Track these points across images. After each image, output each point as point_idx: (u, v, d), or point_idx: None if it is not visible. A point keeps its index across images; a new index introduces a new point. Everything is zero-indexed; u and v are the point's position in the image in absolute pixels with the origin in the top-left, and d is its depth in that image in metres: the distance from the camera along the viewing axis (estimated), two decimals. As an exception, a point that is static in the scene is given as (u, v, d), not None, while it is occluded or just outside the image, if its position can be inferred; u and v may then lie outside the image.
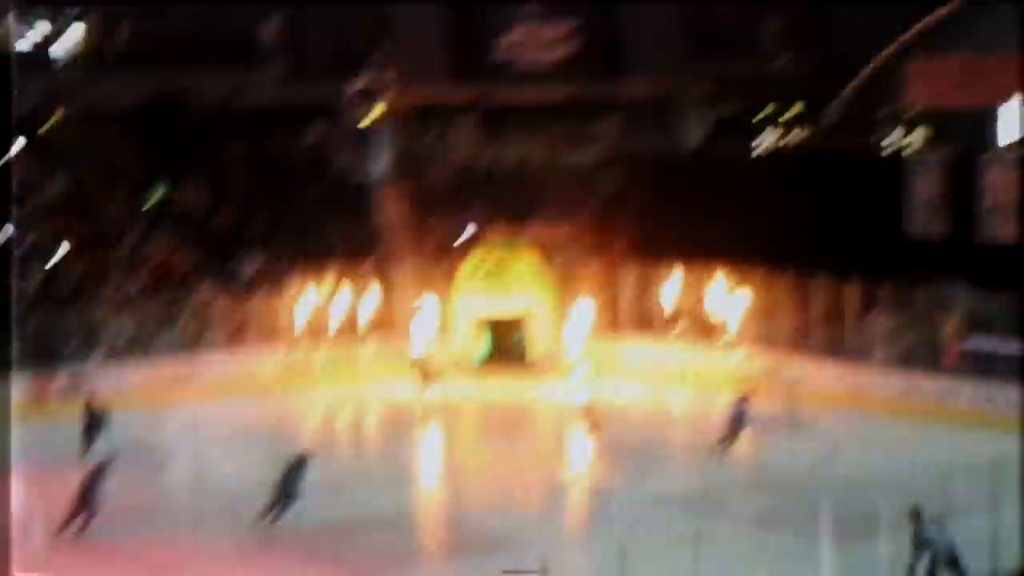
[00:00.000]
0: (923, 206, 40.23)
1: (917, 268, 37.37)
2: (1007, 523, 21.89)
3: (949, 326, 36.10)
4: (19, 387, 35.27)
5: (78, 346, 37.81)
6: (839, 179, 41.67)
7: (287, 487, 24.12)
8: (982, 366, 34.80)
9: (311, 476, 24.76)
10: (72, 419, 31.56)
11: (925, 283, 37.20)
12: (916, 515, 20.16)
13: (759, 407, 32.58)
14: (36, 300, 38.63)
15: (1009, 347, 34.48)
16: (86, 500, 24.08)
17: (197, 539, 24.11)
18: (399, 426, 35.00)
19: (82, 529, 23.98)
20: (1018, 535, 21.86)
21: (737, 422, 30.85)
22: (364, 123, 50.93)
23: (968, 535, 20.93)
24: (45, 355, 36.75)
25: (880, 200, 40.21)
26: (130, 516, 25.52)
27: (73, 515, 24.06)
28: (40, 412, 34.78)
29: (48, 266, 40.38)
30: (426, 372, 36.50)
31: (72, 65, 50.49)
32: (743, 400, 31.22)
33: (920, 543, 19.88)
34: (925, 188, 40.48)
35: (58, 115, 47.43)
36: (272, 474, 24.65)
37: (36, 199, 42.85)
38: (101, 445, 29.78)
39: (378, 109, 50.93)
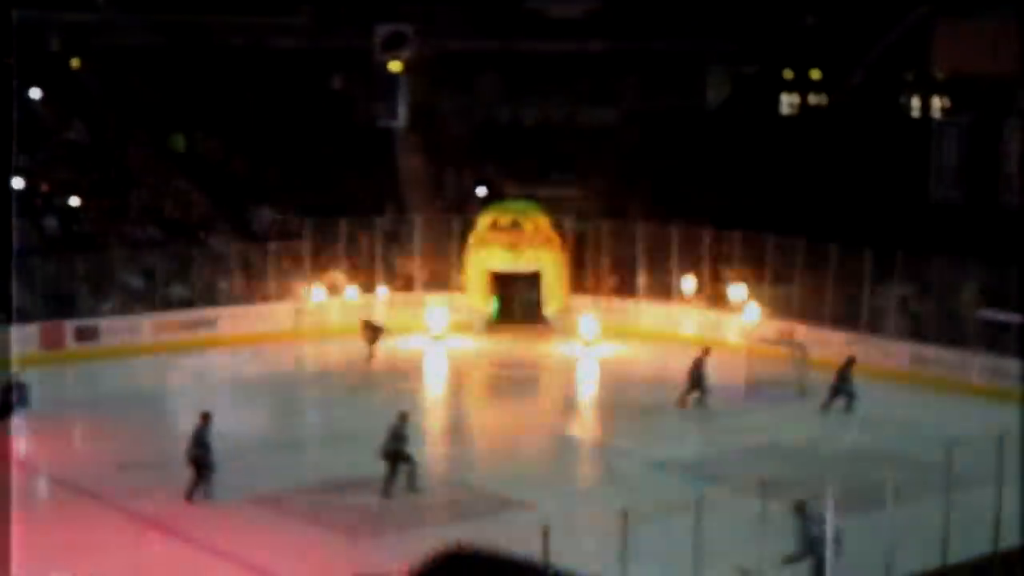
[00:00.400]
0: (945, 172, 39.97)
1: (935, 235, 37.11)
2: (1013, 497, 21.77)
3: (965, 296, 35.85)
4: (32, 335, 35.37)
5: (92, 294, 37.87)
6: (861, 142, 41.40)
7: (396, 451, 24.08)
8: (995, 337, 34.58)
9: (308, 432, 24.73)
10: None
11: (942, 251, 36.95)
12: (800, 508, 20.04)
13: (770, 373, 32.39)
14: (52, 247, 38.66)
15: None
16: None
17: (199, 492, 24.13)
18: (405, 378, 34.98)
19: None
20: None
21: (696, 378, 31.27)
22: (388, 72, 50.78)
23: (973, 508, 20.85)
24: (60, 303, 36.82)
25: (901, 165, 39.94)
26: (136, 466, 25.61)
27: None
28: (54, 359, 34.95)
29: (64, 212, 40.41)
30: (372, 331, 36.79)
31: (101, 4, 50.37)
32: (701, 357, 31.64)
33: (805, 538, 19.80)
34: (947, 153, 40.21)
35: (79, 57, 47.44)
36: (278, 425, 24.63)
37: (55, 143, 42.88)
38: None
39: (402, 58, 50.74)
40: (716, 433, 29.61)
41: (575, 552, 18.24)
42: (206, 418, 23.94)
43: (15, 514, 22.12)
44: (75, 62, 47.54)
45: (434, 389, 34.87)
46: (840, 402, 31.15)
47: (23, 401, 29.89)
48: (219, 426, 24.39)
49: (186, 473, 23.74)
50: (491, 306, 41.38)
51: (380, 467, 24.03)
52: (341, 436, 28.42)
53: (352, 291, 40.67)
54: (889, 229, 37.32)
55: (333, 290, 40.48)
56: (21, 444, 27.85)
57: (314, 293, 39.86)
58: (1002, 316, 33.21)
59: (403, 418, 24.52)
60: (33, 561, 19.87)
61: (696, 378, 31.59)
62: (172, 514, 22.80)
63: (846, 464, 25.84)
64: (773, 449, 28.05)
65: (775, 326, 37.15)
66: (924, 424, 29.97)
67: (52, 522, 22.56)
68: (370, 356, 36.40)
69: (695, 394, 31.57)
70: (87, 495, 24.06)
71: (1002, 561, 20.41)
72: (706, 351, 32.24)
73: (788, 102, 54.08)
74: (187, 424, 24.79)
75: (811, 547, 19.43)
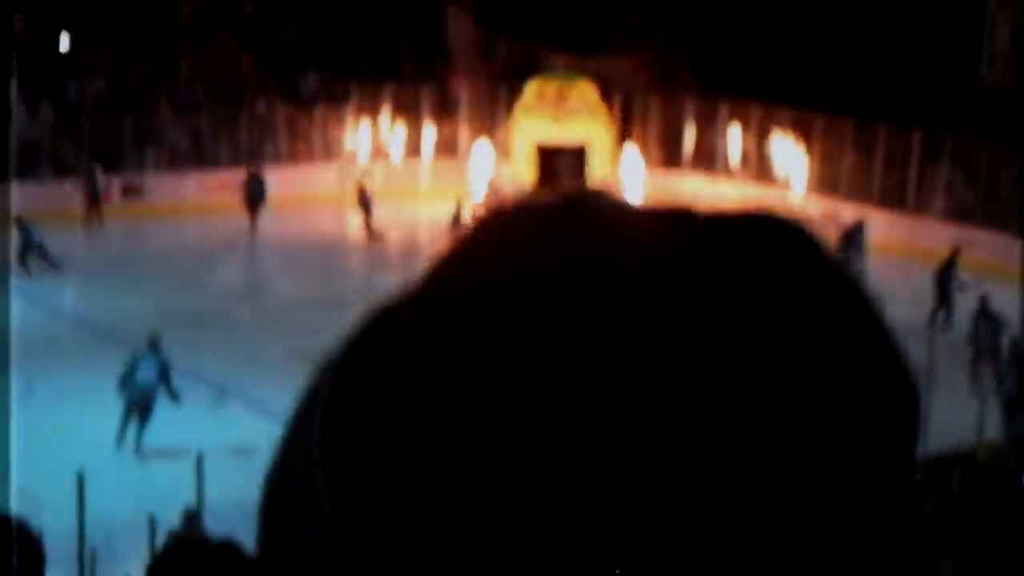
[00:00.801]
0: (997, 56, 39.45)
1: (985, 121, 36.74)
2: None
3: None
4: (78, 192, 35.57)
5: (137, 152, 38.03)
6: (913, 20, 40.84)
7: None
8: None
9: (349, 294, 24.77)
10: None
11: (993, 138, 36.61)
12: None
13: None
14: (98, 105, 38.77)
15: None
16: None
17: (245, 348, 24.41)
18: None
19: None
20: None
21: None
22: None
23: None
24: (105, 160, 36.99)
25: (953, 46, 39.42)
26: (181, 318, 25.92)
27: None
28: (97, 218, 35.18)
29: (112, 73, 40.45)
30: (363, 196, 36.58)
31: None
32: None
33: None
34: (1000, 37, 39.65)
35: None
36: (320, 286, 24.68)
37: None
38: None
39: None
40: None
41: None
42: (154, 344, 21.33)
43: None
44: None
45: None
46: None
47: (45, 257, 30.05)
48: (262, 286, 24.61)
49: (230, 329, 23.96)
50: (537, 175, 41.27)
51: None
52: (380, 297, 28.55)
53: (398, 154, 40.63)
54: (939, 112, 36.98)
55: (379, 153, 40.49)
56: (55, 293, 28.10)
57: (360, 156, 39.88)
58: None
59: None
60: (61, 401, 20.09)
61: None
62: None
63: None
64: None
65: (821, 204, 37.01)
66: (966, 308, 29.93)
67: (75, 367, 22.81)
68: (366, 228, 35.96)
69: None
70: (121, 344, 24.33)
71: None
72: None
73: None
74: (233, 283, 24.98)
75: None
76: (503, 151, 41.68)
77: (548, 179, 41.36)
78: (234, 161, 38.58)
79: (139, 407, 20.48)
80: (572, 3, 48.18)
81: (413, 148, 41.36)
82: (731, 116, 40.45)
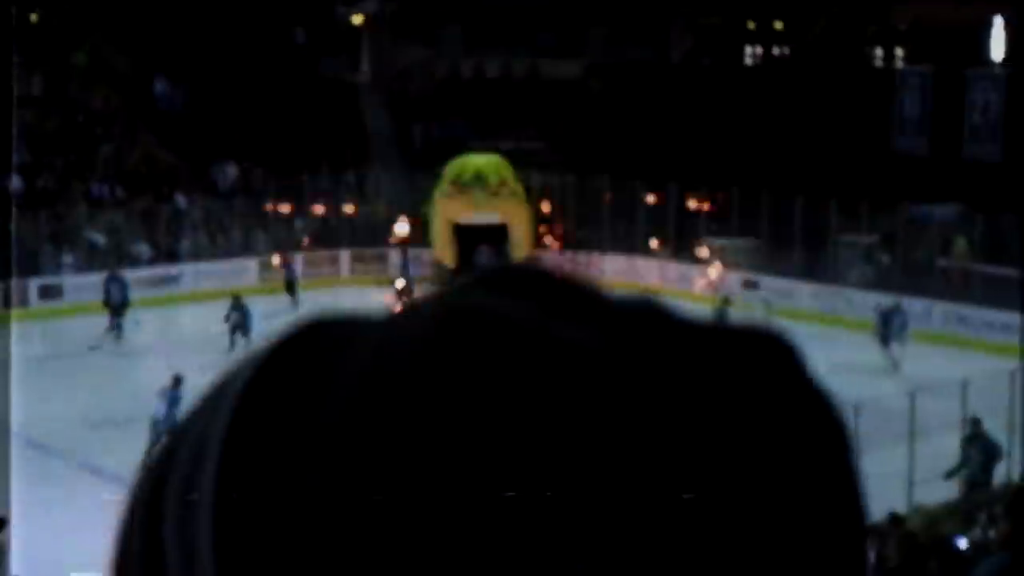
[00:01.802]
0: (908, 122, 40.06)
1: (900, 185, 37.26)
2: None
3: (957, 248, 36.02)
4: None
5: (54, 251, 37.69)
6: (824, 93, 41.45)
7: None
8: (959, 287, 34.84)
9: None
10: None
11: (906, 202, 37.11)
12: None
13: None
14: (12, 203, 38.42)
15: (983, 269, 34.45)
16: None
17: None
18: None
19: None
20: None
21: None
22: (350, 25, 50.53)
23: (938, 455, 21.06)
24: (21, 260, 36.62)
25: (865, 117, 40.01)
26: (101, 421, 25.58)
27: None
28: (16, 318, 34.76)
29: (26, 169, 40.13)
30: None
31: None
32: None
33: None
34: (911, 104, 40.28)
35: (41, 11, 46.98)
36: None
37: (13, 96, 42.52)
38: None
39: (364, 12, 50.48)
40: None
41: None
42: (178, 381, 23.51)
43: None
44: (34, 16, 47.07)
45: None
46: None
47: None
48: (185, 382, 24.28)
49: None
50: (455, 258, 41.24)
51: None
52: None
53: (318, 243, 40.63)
54: (854, 180, 37.45)
55: (298, 245, 40.39)
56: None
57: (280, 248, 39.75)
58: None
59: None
60: None
61: None
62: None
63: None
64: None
65: (740, 278, 37.25)
66: (889, 373, 30.14)
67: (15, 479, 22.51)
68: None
69: None
70: (52, 452, 24.01)
71: (969, 505, 20.61)
72: None
73: (751, 53, 54.08)
74: (153, 380, 24.71)
75: None
76: (422, 233, 41.66)
77: (468, 259, 41.38)
78: (155, 258, 38.36)
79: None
80: (486, 86, 48.56)
81: (332, 237, 41.26)
82: (647, 194, 40.72)
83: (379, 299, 38.37)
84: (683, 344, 0.75)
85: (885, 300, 32.40)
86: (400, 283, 39.48)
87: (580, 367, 0.71)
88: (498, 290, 0.77)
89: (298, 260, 39.77)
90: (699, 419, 0.72)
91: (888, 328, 31.03)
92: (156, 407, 23.36)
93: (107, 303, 33.72)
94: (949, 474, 20.65)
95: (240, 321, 31.97)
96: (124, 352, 32.34)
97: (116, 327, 33.35)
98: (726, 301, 32.50)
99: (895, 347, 30.75)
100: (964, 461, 21.16)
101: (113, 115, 43.64)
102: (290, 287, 37.02)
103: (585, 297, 0.78)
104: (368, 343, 0.75)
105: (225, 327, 31.82)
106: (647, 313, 0.78)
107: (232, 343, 31.57)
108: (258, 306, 37.45)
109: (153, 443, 21.60)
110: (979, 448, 21.16)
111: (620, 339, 0.74)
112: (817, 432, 0.76)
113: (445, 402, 0.70)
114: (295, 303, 36.13)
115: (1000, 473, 21.48)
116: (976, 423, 21.49)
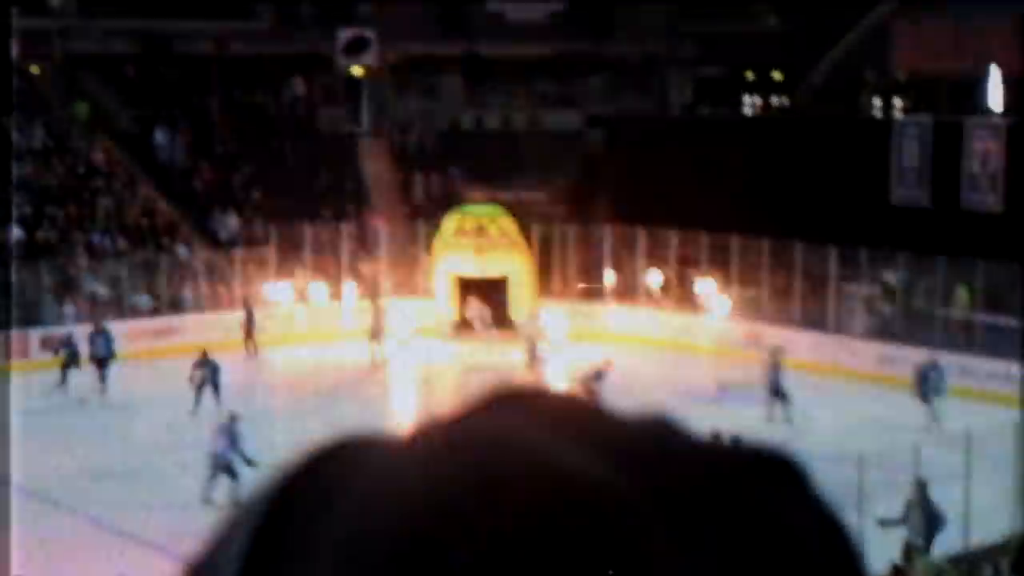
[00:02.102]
0: (906, 172, 40.13)
1: (898, 235, 37.32)
2: (981, 494, 21.94)
3: (959, 298, 36.03)
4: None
5: (56, 302, 37.69)
6: (823, 143, 41.56)
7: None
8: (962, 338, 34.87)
9: (275, 441, 24.65)
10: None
11: (906, 252, 37.16)
12: None
13: (738, 375, 32.52)
14: (13, 254, 38.45)
15: (986, 318, 34.47)
16: None
17: (171, 501, 24.07)
18: (374, 385, 34.92)
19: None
20: (991, 507, 21.90)
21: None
22: (350, 77, 50.70)
23: (942, 505, 21.01)
24: (22, 311, 36.63)
25: (864, 166, 40.11)
26: (104, 474, 25.51)
27: None
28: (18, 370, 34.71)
29: (27, 220, 40.19)
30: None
31: (62, 10, 50.11)
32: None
33: None
34: (909, 154, 40.36)
35: (41, 63, 47.16)
36: (246, 434, 24.57)
37: (17, 150, 42.65)
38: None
39: (364, 63, 50.67)
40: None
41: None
42: (233, 418, 24.77)
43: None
44: (35, 69, 47.25)
45: (401, 395, 34.78)
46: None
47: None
48: (183, 434, 24.30)
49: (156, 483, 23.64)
50: (457, 310, 41.32)
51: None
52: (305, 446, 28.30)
53: (319, 296, 40.63)
54: (853, 230, 37.52)
55: (300, 296, 40.40)
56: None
57: (281, 299, 39.76)
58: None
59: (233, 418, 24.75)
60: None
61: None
62: (143, 525, 22.72)
63: (815, 464, 25.92)
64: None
65: (742, 328, 37.26)
66: (891, 423, 30.10)
67: (19, 533, 22.46)
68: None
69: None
70: (53, 503, 23.95)
71: (974, 556, 20.56)
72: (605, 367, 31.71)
73: (750, 103, 54.28)
74: (155, 433, 24.68)
75: None
76: (423, 285, 41.73)
77: (468, 312, 41.43)
78: (155, 309, 38.40)
79: (222, 470, 24.11)
80: (486, 136, 48.72)
81: (334, 288, 41.28)
82: (649, 244, 40.78)
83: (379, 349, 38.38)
84: (693, 473, 0.76)
85: (921, 356, 32.20)
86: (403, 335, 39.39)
87: (591, 501, 0.72)
88: (509, 412, 0.79)
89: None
90: (708, 553, 0.72)
91: (926, 385, 30.88)
92: (216, 442, 24.39)
93: (93, 357, 33.17)
94: (883, 522, 20.41)
95: (207, 377, 31.13)
96: (123, 404, 32.24)
97: (102, 380, 32.82)
98: (778, 352, 32.19)
99: (935, 402, 30.60)
100: (903, 520, 20.78)
101: (113, 167, 43.77)
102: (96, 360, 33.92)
103: (597, 420, 0.80)
104: (378, 475, 0.77)
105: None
106: (658, 437, 0.79)
107: (197, 401, 30.76)
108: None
109: (211, 476, 24.06)
110: (921, 514, 20.82)
111: (631, 467, 0.75)
112: (830, 562, 0.77)
113: (454, 533, 0.71)
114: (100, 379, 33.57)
115: (998, 528, 21.42)
116: (922, 487, 21.00)
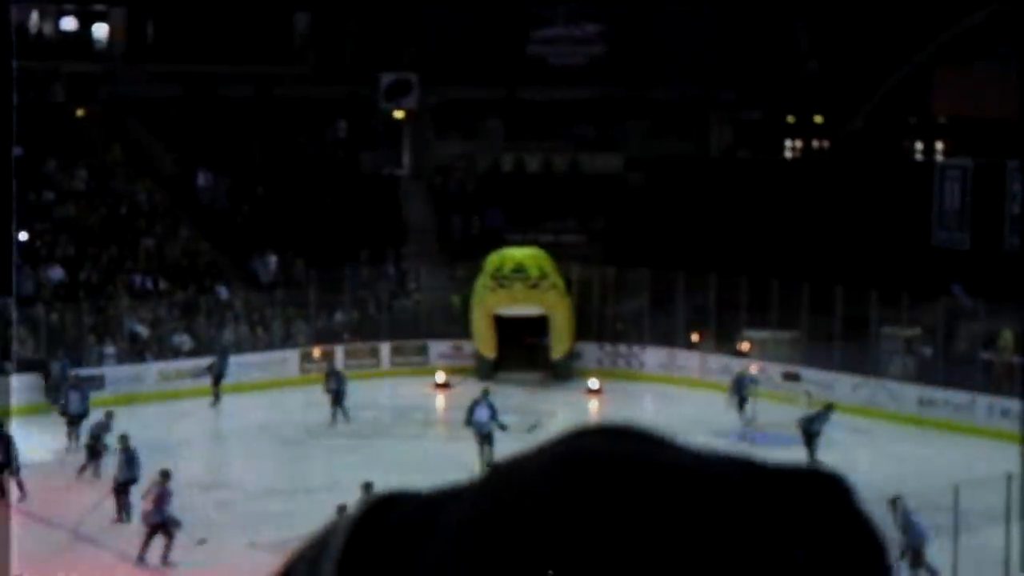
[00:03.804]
0: (949, 216, 39.99)
1: (940, 278, 37.16)
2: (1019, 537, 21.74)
3: (1002, 340, 35.80)
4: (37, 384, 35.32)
5: (97, 342, 37.88)
6: (864, 186, 41.48)
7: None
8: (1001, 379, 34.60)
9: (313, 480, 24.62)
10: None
11: (947, 295, 36.98)
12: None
13: (775, 417, 32.38)
14: (55, 294, 38.73)
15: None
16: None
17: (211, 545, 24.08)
18: (410, 425, 34.92)
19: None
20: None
21: None
22: (391, 120, 50.93)
23: (982, 549, 20.83)
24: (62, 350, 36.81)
25: (905, 209, 39.99)
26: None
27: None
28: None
29: (69, 261, 40.48)
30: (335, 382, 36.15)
31: (106, 55, 50.68)
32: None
33: None
34: (951, 197, 40.23)
35: (87, 106, 47.64)
36: (283, 473, 24.64)
37: (60, 191, 43.02)
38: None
39: (406, 107, 50.91)
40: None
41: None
42: (166, 476, 23.72)
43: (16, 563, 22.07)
44: (80, 112, 47.73)
45: (439, 437, 34.77)
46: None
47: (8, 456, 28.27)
48: (224, 474, 24.32)
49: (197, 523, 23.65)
50: (497, 351, 41.26)
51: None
52: (345, 485, 28.31)
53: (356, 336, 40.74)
54: (894, 273, 37.37)
55: (338, 337, 40.51)
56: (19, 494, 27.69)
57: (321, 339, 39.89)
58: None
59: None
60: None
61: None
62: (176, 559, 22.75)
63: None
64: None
65: (781, 370, 37.10)
66: (932, 466, 29.87)
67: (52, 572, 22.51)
68: (333, 415, 35.13)
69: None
70: (89, 544, 24.01)
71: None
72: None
73: (791, 147, 54.19)
74: (195, 473, 24.71)
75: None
76: (463, 325, 41.74)
77: (508, 353, 41.40)
78: (196, 349, 38.58)
79: (482, 438, 29.61)
80: (526, 179, 48.82)
81: (372, 329, 41.38)
82: (687, 288, 40.69)
83: (419, 391, 38.41)
84: (762, 488, 0.87)
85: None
86: (440, 376, 39.52)
87: (729, 495, 0.84)
88: (600, 437, 0.90)
89: (338, 352, 39.89)
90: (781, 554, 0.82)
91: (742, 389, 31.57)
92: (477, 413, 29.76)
93: (64, 413, 31.98)
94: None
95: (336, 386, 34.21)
96: (161, 444, 32.34)
97: (74, 437, 31.48)
98: (829, 407, 32.03)
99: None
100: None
101: (155, 208, 44.08)
102: (336, 397, 34.99)
103: (680, 446, 0.89)
104: (468, 501, 0.88)
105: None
106: (727, 457, 0.90)
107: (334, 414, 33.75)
108: (297, 397, 37.65)
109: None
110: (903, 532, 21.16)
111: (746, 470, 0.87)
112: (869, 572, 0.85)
113: (583, 540, 0.82)
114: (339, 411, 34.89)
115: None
116: (900, 505, 21.67)
